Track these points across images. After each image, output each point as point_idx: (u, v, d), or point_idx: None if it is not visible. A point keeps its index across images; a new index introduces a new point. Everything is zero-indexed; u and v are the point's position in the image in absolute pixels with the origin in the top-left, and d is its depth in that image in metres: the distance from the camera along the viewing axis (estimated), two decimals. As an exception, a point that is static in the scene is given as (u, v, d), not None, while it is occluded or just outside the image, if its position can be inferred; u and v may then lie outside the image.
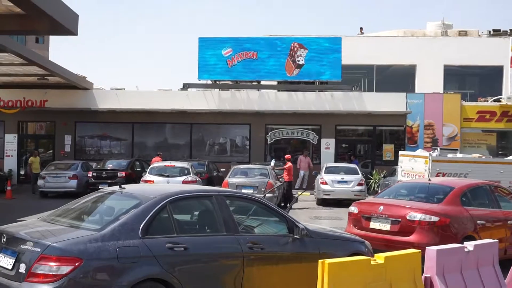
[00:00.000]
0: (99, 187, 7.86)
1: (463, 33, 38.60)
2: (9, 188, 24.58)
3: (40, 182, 24.22)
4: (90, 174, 24.49)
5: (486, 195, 11.58)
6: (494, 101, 32.27)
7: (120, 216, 6.43)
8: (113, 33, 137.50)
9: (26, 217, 7.62)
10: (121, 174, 23.71)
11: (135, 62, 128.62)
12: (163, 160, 23.94)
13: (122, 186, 7.54)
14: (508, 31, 39.01)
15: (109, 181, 22.21)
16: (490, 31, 39.38)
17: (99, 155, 30.48)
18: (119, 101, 30.74)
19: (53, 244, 5.91)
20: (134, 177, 23.30)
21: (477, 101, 32.25)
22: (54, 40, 69.52)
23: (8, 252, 6.24)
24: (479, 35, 38.65)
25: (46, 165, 26.67)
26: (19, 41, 27.16)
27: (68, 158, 29.40)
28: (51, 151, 31.14)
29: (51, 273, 5.77)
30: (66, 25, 16.84)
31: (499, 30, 39.38)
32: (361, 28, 41.94)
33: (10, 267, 6.14)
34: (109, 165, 25.76)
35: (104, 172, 24.56)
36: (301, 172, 27.72)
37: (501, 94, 33.48)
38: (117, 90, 32.07)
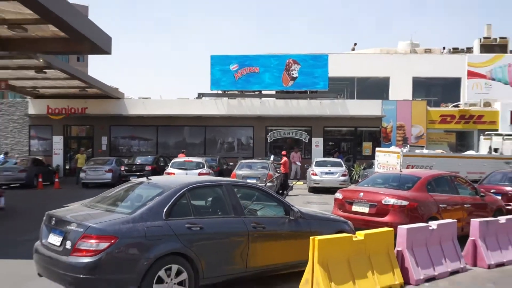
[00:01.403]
0: (130, 179, 7.87)
1: (428, 51, 38.63)
2: (57, 180, 24.81)
3: (82, 175, 24.36)
4: (122, 168, 24.61)
5: (447, 184, 11.60)
6: (454, 106, 32.37)
7: (147, 202, 6.47)
8: (139, 49, 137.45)
9: (70, 203, 7.65)
10: (148, 168, 23.85)
11: (158, 74, 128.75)
12: (188, 156, 23.96)
13: (149, 177, 7.62)
14: (465, 49, 38.99)
15: (138, 173, 22.31)
16: (450, 49, 39.36)
17: (129, 152, 30.53)
18: (145, 108, 30.84)
19: (93, 225, 5.97)
20: (158, 171, 23.33)
21: (440, 107, 32.35)
22: (92, 58, 69.35)
23: (56, 232, 6.30)
24: (441, 52, 38.69)
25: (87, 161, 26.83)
26: (63, 59, 27.21)
27: (104, 155, 29.48)
28: (91, 149, 31.20)
29: (91, 248, 5.82)
30: (102, 46, 16.89)
31: (458, 48, 39.37)
32: (355, 44, 42.11)
33: (58, 244, 6.20)
34: (138, 160, 25.89)
35: (134, 166, 24.75)
36: (293, 165, 27.86)
37: (459, 101, 33.57)
38: (144, 99, 32.26)
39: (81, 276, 5.80)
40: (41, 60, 20.70)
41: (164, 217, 6.30)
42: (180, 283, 6.27)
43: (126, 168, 24.69)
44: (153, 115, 30.45)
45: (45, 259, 6.30)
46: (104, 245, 5.81)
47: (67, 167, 31.14)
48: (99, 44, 16.59)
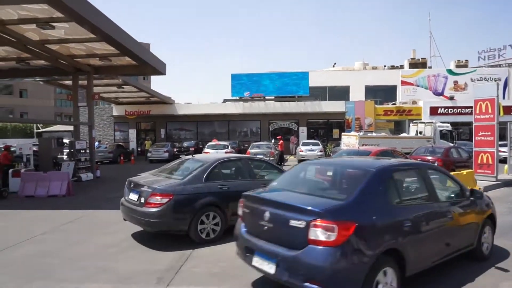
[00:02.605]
0: (180, 156, 7.86)
1: (374, 67, 38.13)
2: (132, 158, 25.00)
3: (148, 154, 24.48)
4: (175, 149, 24.69)
5: (389, 155, 11.54)
6: (392, 104, 32.00)
7: (193, 171, 6.51)
8: (181, 65, 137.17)
9: (142, 173, 7.67)
10: (191, 149, 23.82)
11: (196, 84, 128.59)
12: (218, 141, 23.94)
13: (193, 155, 7.63)
14: (399, 66, 38.44)
15: (185, 153, 22.37)
16: (389, 66, 38.80)
17: (179, 139, 30.55)
18: (189, 109, 30.86)
19: (157, 187, 6.02)
20: (198, 151, 23.39)
21: (383, 105, 31.99)
22: (154, 77, 69.16)
23: (134, 192, 6.37)
24: (383, 68, 38.14)
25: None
26: (134, 79, 27.20)
27: (163, 141, 29.56)
28: (154, 138, 31.37)
29: (157, 202, 5.94)
30: (160, 70, 16.85)
31: (394, 65, 38.81)
32: (334, 63, 41.72)
33: (136, 199, 6.29)
34: (185, 144, 25.93)
35: (182, 148, 24.78)
36: (291, 145, 27.89)
37: (396, 101, 33.17)
38: (187, 104, 32.19)
39: (151, 220, 5.88)
40: (120, 80, 20.75)
41: (204, 181, 6.33)
42: (215, 224, 6.34)
43: (177, 149, 24.77)
44: (193, 114, 30.46)
45: (127, 209, 6.37)
46: (165, 199, 5.87)
47: (139, 149, 31.28)
48: (158, 68, 16.55)
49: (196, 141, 27.49)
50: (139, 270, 5.08)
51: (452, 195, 4.95)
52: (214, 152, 18.84)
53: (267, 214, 3.99)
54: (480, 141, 13.65)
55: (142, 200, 6.01)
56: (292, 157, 26.07)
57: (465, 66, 36.70)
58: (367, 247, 3.51)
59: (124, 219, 6.62)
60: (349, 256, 3.42)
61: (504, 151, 18.37)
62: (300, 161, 22.44)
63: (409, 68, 36.25)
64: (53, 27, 11.42)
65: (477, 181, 12.03)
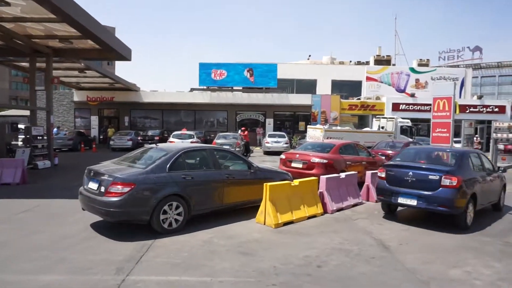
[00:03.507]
0: (144, 145, 7.64)
1: (341, 63, 38.91)
2: (94, 146, 24.13)
3: (111, 142, 23.71)
4: (139, 138, 24.08)
5: (351, 149, 11.74)
6: (357, 99, 32.86)
7: (156, 160, 6.40)
8: (149, 53, 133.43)
9: (103, 161, 7.45)
10: (156, 138, 23.38)
11: (162, 71, 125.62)
12: (187, 130, 23.54)
13: (157, 144, 7.49)
14: (365, 62, 39.46)
15: (149, 141, 21.90)
16: (355, 62, 39.75)
17: (144, 127, 29.82)
18: (155, 97, 30.08)
19: (119, 176, 5.88)
20: (163, 140, 22.95)
21: (348, 99, 32.77)
22: (118, 62, 66.76)
23: (94, 180, 6.18)
24: (349, 64, 39.00)
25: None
26: (98, 64, 26.08)
27: (127, 129, 28.74)
28: (116, 125, 30.45)
29: (118, 191, 5.75)
30: (125, 55, 16.28)
31: (360, 61, 39.79)
32: (309, 56, 41.96)
33: (96, 188, 6.11)
34: (149, 133, 25.33)
35: (146, 137, 24.20)
36: (258, 136, 28.01)
37: (360, 96, 34.09)
38: (153, 91, 31.37)
39: (112, 209, 5.75)
40: (82, 64, 19.89)
41: (167, 171, 6.25)
42: (178, 214, 6.29)
43: (141, 138, 24.16)
44: (159, 102, 29.73)
45: (86, 198, 6.19)
46: (127, 189, 5.75)
47: (101, 137, 30.24)
48: (123, 53, 15.97)
49: (162, 130, 26.95)
50: (98, 260, 4.97)
51: (491, 169, 8.52)
52: (180, 142, 18.57)
53: (410, 172, 7.23)
54: (436, 137, 14.35)
55: (102, 189, 5.86)
56: (258, 148, 26.24)
57: (427, 65, 38.28)
58: (467, 189, 7.04)
59: (83, 209, 6.43)
60: (460, 193, 6.84)
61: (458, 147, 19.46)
62: (265, 152, 22.70)
63: (375, 64, 37.32)
64: (8, 4, 10.71)
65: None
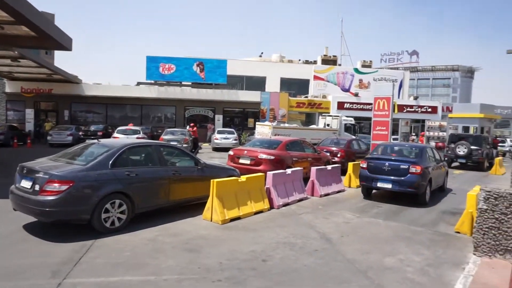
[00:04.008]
0: (86, 141, 7.15)
1: (290, 61, 39.68)
2: (29, 141, 22.36)
3: (48, 137, 22.16)
4: (80, 133, 22.77)
5: (298, 145, 12.02)
6: (305, 97, 33.71)
7: (98, 157, 6.10)
8: (93, 44, 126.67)
9: (39, 158, 6.95)
10: (99, 133, 22.24)
11: (108, 64, 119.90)
12: (134, 126, 22.61)
13: (99, 139, 7.15)
14: (312, 61, 40.63)
15: (92, 137, 20.76)
16: (304, 61, 40.78)
17: (86, 122, 28.23)
18: (98, 90, 28.58)
19: (55, 173, 5.54)
20: (107, 135, 21.94)
21: (296, 97, 33.51)
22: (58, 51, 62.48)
23: (27, 178, 5.77)
24: (298, 62, 39.93)
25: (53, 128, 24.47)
26: (34, 52, 24.14)
27: (67, 124, 27.02)
28: (55, 119, 28.53)
29: (55, 190, 5.43)
30: (65, 44, 15.26)
31: (308, 60, 40.91)
32: (261, 53, 41.92)
33: (29, 187, 5.70)
34: (92, 128, 24.04)
35: (89, 132, 22.96)
36: (208, 132, 27.75)
37: (308, 94, 35.06)
38: (97, 84, 29.81)
39: (47, 209, 5.40)
40: (16, 52, 18.33)
41: (110, 167, 6.00)
42: (121, 212, 6.08)
43: (83, 133, 22.88)
44: (103, 96, 28.24)
45: (18, 198, 5.75)
46: (64, 187, 5.43)
47: (39, 130, 28.11)
48: (62, 43, 14.96)
49: (105, 125, 25.71)
50: (31, 264, 4.65)
51: (439, 159, 10.96)
52: (125, 137, 17.87)
53: (386, 163, 9.35)
54: (376, 134, 15.20)
55: (37, 187, 5.47)
56: (207, 144, 26.03)
57: (369, 66, 40.29)
58: (427, 175, 9.30)
59: (14, 209, 5.97)
60: (422, 177, 9.01)
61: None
62: (214, 148, 22.57)
63: (322, 64, 38.53)
64: None
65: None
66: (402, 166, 9.18)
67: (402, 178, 9.08)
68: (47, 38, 14.22)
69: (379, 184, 9.42)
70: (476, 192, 6.74)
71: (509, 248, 5.19)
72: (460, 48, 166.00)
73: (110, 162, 6.03)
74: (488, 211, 5.35)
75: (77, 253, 5.04)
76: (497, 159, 18.07)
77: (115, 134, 19.54)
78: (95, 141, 7.00)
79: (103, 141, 7.11)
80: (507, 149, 30.00)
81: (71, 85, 27.99)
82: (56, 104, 28.85)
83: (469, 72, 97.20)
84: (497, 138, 30.34)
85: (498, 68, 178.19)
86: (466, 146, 18.42)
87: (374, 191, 10.33)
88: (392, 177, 9.19)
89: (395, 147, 10.83)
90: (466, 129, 30.26)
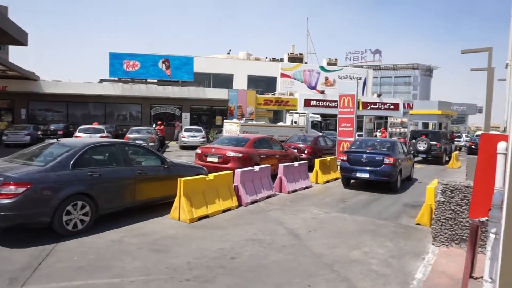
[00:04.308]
0: (45, 141, 6.76)
1: (257, 59, 39.78)
2: (-19, 141, 21.08)
3: (4, 137, 20.93)
4: (39, 132, 21.69)
5: (266, 142, 12.07)
6: (272, 95, 33.94)
7: (58, 157, 5.85)
8: (53, 40, 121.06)
9: (-7, 159, 6.59)
10: (60, 133, 21.30)
11: (68, 61, 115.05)
12: (102, 124, 21.79)
13: (58, 139, 6.86)
14: (280, 59, 40.95)
15: (52, 136, 19.85)
16: (271, 58, 41.01)
17: (45, 121, 26.93)
18: (58, 87, 27.34)
19: (11, 175, 5.27)
20: (69, 135, 21.05)
21: (263, 94, 33.67)
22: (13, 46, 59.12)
23: (-20, 181, 5.39)
24: (265, 60, 40.12)
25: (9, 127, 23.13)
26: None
27: (24, 123, 25.64)
28: (11, 118, 27.00)
29: (11, 192, 5.15)
30: (20, 39, 14.54)
31: (275, 58, 41.19)
32: (229, 50, 41.49)
33: (-19, 190, 5.33)
34: (52, 127, 22.93)
35: (49, 131, 21.90)
36: (176, 130, 27.34)
37: (275, 91, 35.34)
38: (57, 81, 28.51)
39: (2, 213, 5.12)
40: (-36, 47, 17.18)
41: (71, 168, 5.76)
42: (84, 214, 5.87)
43: (43, 132, 21.81)
44: (64, 93, 27.08)
45: (-30, 202, 5.39)
46: (21, 189, 5.17)
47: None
48: (17, 37, 14.25)
49: (66, 124, 24.64)
50: (-14, 271, 4.39)
51: (407, 152, 12.31)
52: (87, 137, 17.24)
53: (364, 156, 10.51)
54: (342, 131, 15.60)
55: (-9, 190, 5.16)
56: (174, 142, 25.64)
57: (335, 64, 41.17)
58: (398, 165, 10.66)
59: (-34, 214, 5.60)
60: (395, 168, 10.30)
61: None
62: (182, 147, 22.27)
63: (288, 62, 38.95)
64: None
65: (338, 166, 13.76)
66: (377, 158, 10.45)
67: (378, 168, 10.36)
68: (0, 32, 13.47)
69: (358, 174, 10.69)
70: (435, 185, 7.07)
71: (464, 238, 5.50)
72: (420, 47, 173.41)
73: (71, 162, 5.80)
74: (445, 203, 5.63)
75: (37, 258, 4.81)
76: (454, 154, 19.07)
77: (77, 133, 18.80)
78: (55, 140, 6.71)
79: (64, 140, 6.83)
80: (463, 144, 31.72)
81: (28, 82, 26.59)
82: (12, 102, 27.31)
83: (428, 71, 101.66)
84: (454, 134, 31.99)
85: (454, 67, 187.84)
86: (426, 141, 19.35)
87: (352, 181, 11.59)
88: (369, 168, 10.47)
89: (370, 142, 12.18)
90: (425, 125, 31.72)
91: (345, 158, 11.02)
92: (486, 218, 3.75)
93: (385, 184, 10.65)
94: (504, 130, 7.01)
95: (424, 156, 19.45)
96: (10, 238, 5.53)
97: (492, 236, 3.08)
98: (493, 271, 3.13)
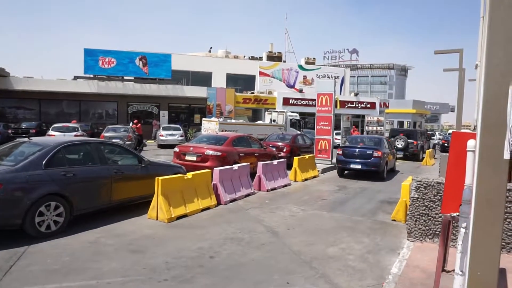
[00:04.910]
0: (16, 139, 6.50)
1: (236, 57, 39.71)
2: None
3: (-29, 136, 20.10)
4: (9, 131, 20.91)
5: (244, 141, 12.04)
6: (251, 93, 33.96)
7: (29, 156, 5.67)
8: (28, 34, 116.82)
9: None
10: (33, 131, 20.60)
11: (41, 57, 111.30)
12: (78, 122, 21.18)
13: (30, 138, 6.65)
14: (258, 57, 41.01)
15: (23, 135, 19.15)
16: (249, 57, 41.02)
17: (16, 119, 25.96)
18: (29, 84, 26.38)
19: (-21, 175, 5.04)
20: (42, 133, 20.39)
21: (242, 93, 33.62)
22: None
23: None
24: (244, 58, 40.08)
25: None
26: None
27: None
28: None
29: (-21, 193, 4.92)
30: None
31: (254, 56, 41.23)
32: (210, 48, 41.04)
33: None
34: (23, 125, 22.12)
35: (20, 130, 21.14)
36: (154, 128, 26.96)
37: (254, 90, 35.36)
38: (28, 78, 27.50)
39: (-30, 215, 4.91)
40: None
41: (43, 167, 5.59)
42: (58, 215, 5.71)
43: (13, 131, 21.02)
44: (36, 90, 26.17)
45: None
46: (-10, 190, 4.97)
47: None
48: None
49: (39, 122, 23.86)
50: (-48, 276, 4.21)
51: (389, 148, 14.44)
52: (61, 135, 16.75)
53: (356, 150, 12.64)
54: (320, 129, 15.77)
55: (-42, 192, 4.95)
56: (152, 141, 25.27)
57: (313, 63, 41.58)
58: (385, 158, 12.98)
59: None
60: (382, 160, 12.48)
61: (338, 139, 21.79)
62: (160, 145, 21.97)
63: (267, 60, 39.07)
64: None
65: (317, 164, 13.94)
66: (368, 152, 12.55)
67: (368, 160, 12.45)
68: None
69: (352, 166, 12.73)
70: (409, 182, 7.27)
71: (437, 233, 5.68)
72: (396, 47, 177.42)
73: (44, 162, 5.62)
74: (419, 199, 5.80)
75: (7, 262, 4.65)
76: (427, 151, 19.66)
77: (50, 132, 18.23)
78: (26, 139, 6.49)
79: (35, 139, 6.62)
80: (436, 141, 32.72)
81: (-3, 78, 25.61)
82: (-21, 99, 26.26)
83: (403, 71, 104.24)
84: (428, 132, 32.95)
85: (428, 67, 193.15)
86: (404, 139, 20.06)
87: (346, 172, 13.52)
88: (361, 160, 12.51)
89: (360, 139, 14.60)
90: (401, 123, 32.45)
91: (340, 152, 12.98)
92: (457, 214, 3.89)
93: (374, 174, 12.77)
94: (474, 129, 7.28)
95: (401, 153, 20.18)
96: (-21, 241, 5.32)
97: (462, 230, 3.20)
98: (463, 264, 3.25)
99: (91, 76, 28.11)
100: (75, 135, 17.12)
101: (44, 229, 5.49)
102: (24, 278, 4.25)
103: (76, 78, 28.33)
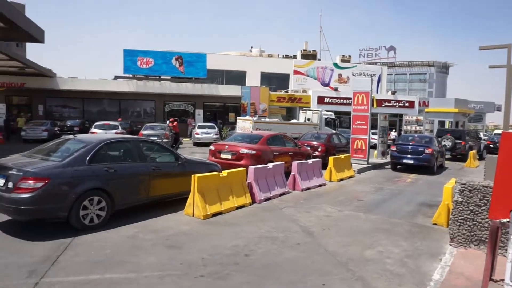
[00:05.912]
0: (62, 136, 6.86)
1: (270, 55, 39.67)
2: (1, 137, 21.55)
3: (22, 133, 21.42)
4: (56, 128, 22.16)
5: (279, 140, 11.94)
6: (285, 92, 33.78)
7: (74, 153, 5.94)
8: (72, 39, 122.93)
9: (11, 155, 6.74)
10: (77, 129, 21.71)
11: (85, 59, 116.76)
12: (123, 121, 22.13)
13: (75, 135, 6.97)
14: (293, 56, 40.73)
15: (68, 132, 20.20)
16: (284, 55, 40.82)
17: (62, 117, 27.42)
18: (74, 84, 27.76)
19: (30, 170, 5.39)
20: (85, 131, 21.40)
21: (276, 91, 33.51)
22: (31, 44, 60.12)
23: (0, 176, 5.54)
24: (278, 57, 39.95)
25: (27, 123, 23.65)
26: (4, 45, 23.11)
27: (42, 119, 26.14)
28: (30, 114, 27.58)
29: (29, 187, 5.27)
30: (37, 36, 14.80)
31: (288, 55, 40.99)
32: (251, 47, 41.37)
33: (2, 184, 5.50)
34: (68, 123, 23.41)
35: (65, 127, 22.34)
36: (189, 127, 27.56)
37: (288, 88, 35.16)
38: (73, 78, 28.95)
39: (22, 207, 5.24)
40: (-16, 44, 17.60)
41: (87, 163, 5.86)
42: (100, 209, 5.96)
43: (59, 128, 22.26)
44: (80, 90, 27.51)
45: (-10, 196, 5.54)
46: (40, 184, 5.28)
47: (13, 124, 27.05)
48: (34, 34, 14.51)
49: (82, 120, 25.07)
50: (6, 264, 4.50)
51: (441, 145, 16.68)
52: (103, 133, 17.48)
53: (409, 147, 14.48)
54: (356, 129, 15.43)
55: (10, 185, 5.28)
56: (188, 139, 25.83)
57: (348, 61, 40.72)
58: (436, 154, 14.72)
59: (-13, 208, 5.75)
60: (433, 156, 14.21)
61: (374, 138, 21.22)
62: (195, 143, 22.39)
63: (301, 58, 38.70)
64: None
65: (353, 164, 13.65)
66: (419, 149, 14.29)
67: (420, 156, 14.15)
68: (18, 30, 13.74)
69: (405, 161, 14.47)
70: (452, 184, 6.94)
71: (483, 239, 5.38)
72: (435, 44, 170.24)
73: (88, 158, 5.88)
74: (463, 203, 5.52)
75: (55, 252, 4.91)
76: (471, 153, 18.69)
77: (93, 129, 19.10)
78: (71, 136, 6.82)
79: (80, 136, 6.92)
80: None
81: (45, 79, 27.11)
82: (30, 98, 27.92)
83: (444, 68, 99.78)
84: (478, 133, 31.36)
85: (471, 64, 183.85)
86: (451, 139, 19.45)
87: (398, 166, 15.15)
88: (413, 156, 14.25)
89: (412, 137, 15.88)
90: (442, 123, 31.10)
91: (394, 148, 14.85)
92: (507, 220, 3.66)
93: (425, 169, 14.47)
94: (525, 129, 6.84)
95: (449, 153, 19.62)
96: (29, 231, 5.65)
97: (513, 237, 3.00)
98: (514, 273, 3.06)
99: (130, 76, 29.12)
100: (116, 133, 17.80)
101: (87, 222, 5.75)
102: (70, 268, 4.46)
103: (116, 78, 29.48)
